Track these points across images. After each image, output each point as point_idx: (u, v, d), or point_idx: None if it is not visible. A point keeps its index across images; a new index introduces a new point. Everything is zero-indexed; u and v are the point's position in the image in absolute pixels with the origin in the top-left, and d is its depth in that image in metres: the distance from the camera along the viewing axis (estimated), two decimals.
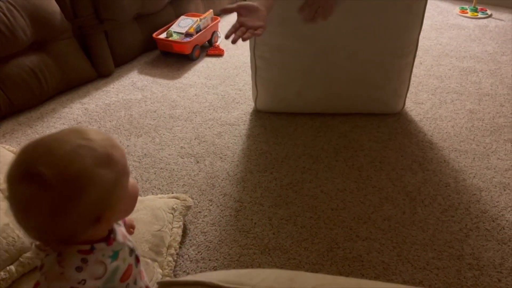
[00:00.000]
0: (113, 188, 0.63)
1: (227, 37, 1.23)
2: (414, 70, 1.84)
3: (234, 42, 1.22)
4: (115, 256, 0.70)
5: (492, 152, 1.64)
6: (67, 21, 2.01)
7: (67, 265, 0.65)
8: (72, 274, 0.64)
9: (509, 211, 1.39)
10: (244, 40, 1.21)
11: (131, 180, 0.70)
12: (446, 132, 1.76)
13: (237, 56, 2.41)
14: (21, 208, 0.61)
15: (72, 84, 2.10)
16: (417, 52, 1.73)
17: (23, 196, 0.59)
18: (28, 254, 1.11)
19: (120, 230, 0.75)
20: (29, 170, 0.58)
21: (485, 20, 2.81)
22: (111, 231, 0.72)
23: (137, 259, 0.78)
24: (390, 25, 1.58)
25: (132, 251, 0.76)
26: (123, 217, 0.72)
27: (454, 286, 1.17)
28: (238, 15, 1.26)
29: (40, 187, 0.57)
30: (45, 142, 0.61)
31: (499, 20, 2.81)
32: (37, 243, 0.70)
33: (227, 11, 1.27)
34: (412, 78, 1.86)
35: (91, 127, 0.63)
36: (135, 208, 1.28)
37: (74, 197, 0.59)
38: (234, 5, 1.26)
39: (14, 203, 0.61)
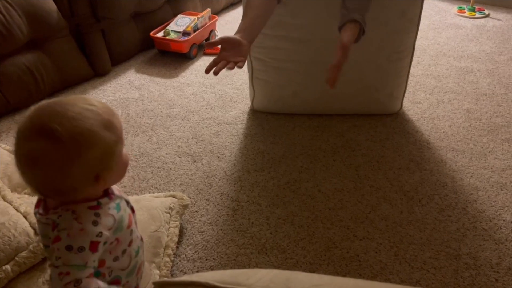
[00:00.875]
0: (112, 150, 0.71)
1: (207, 71, 1.25)
2: (412, 69, 1.85)
3: (216, 73, 1.24)
4: (118, 207, 0.78)
5: (489, 152, 1.64)
6: (64, 19, 2.00)
7: (84, 221, 0.70)
8: (91, 228, 0.70)
9: (506, 210, 1.39)
10: (229, 69, 1.25)
11: (124, 149, 0.77)
12: (444, 132, 1.76)
13: None
14: (31, 161, 0.66)
15: (69, 82, 2.09)
16: (415, 52, 1.73)
17: (35, 149, 0.65)
18: (24, 254, 1.11)
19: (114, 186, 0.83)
20: (43, 126, 0.64)
21: (482, 20, 2.81)
22: (107, 188, 0.79)
23: (132, 209, 0.88)
24: (385, 30, 1.57)
25: (127, 202, 0.86)
26: (116, 182, 0.79)
27: (451, 286, 1.17)
28: (221, 49, 1.27)
29: (52, 142, 0.64)
30: (56, 104, 0.68)
31: (496, 19, 2.81)
32: (41, 211, 0.74)
33: (211, 45, 1.29)
34: (410, 78, 1.86)
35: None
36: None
37: (79, 153, 0.66)
38: (218, 39, 1.27)
39: (24, 156, 0.66)
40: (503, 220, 1.36)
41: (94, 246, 0.69)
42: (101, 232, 0.71)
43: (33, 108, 0.68)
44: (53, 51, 1.99)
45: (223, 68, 1.24)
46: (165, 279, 1.07)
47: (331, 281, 0.56)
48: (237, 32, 1.32)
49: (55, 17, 1.95)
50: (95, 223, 0.71)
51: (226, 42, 1.27)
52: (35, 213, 0.77)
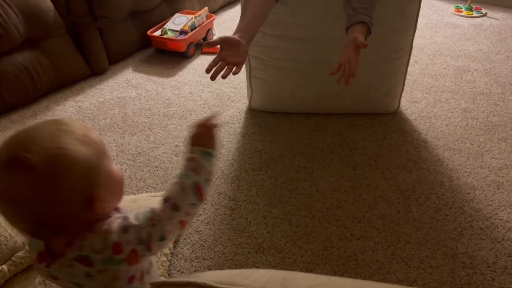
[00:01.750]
0: (96, 165, 0.63)
1: (207, 71, 1.25)
2: (409, 69, 1.85)
3: (213, 78, 1.25)
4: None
5: (486, 151, 1.65)
6: (60, 18, 1.99)
7: (103, 223, 0.66)
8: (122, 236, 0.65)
9: (502, 210, 1.40)
10: (223, 77, 1.25)
11: (114, 165, 0.71)
12: (441, 131, 1.76)
13: None
14: (12, 199, 0.59)
15: (65, 81, 2.08)
16: (412, 51, 1.73)
17: (11, 186, 0.58)
18: (20, 254, 1.10)
19: None
20: (12, 158, 0.58)
21: (480, 19, 2.82)
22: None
23: None
24: (383, 28, 1.57)
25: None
26: (117, 202, 0.71)
27: (448, 285, 1.17)
28: (220, 49, 1.28)
29: (26, 172, 0.58)
30: (23, 132, 0.62)
31: (493, 19, 2.82)
32: (49, 259, 0.67)
33: (210, 45, 1.28)
34: (407, 77, 1.86)
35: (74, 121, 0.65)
36: (129, 208, 1.27)
37: (60, 177, 0.59)
38: (217, 39, 1.27)
39: (2, 196, 0.60)
40: (500, 219, 1.36)
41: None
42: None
43: (1, 140, 0.62)
44: (50, 49, 1.98)
45: (220, 71, 1.25)
46: (163, 279, 1.07)
47: (328, 281, 0.56)
48: (235, 32, 1.32)
49: (52, 16, 1.94)
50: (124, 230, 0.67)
51: (225, 42, 1.27)
52: (46, 270, 0.68)
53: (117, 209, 0.71)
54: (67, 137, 0.61)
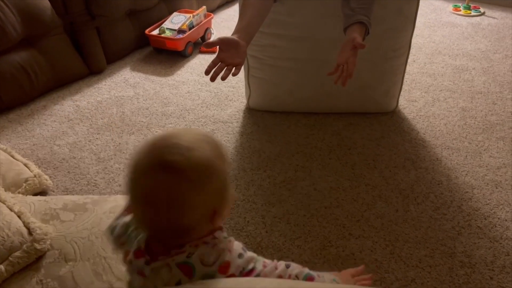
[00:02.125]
0: (228, 182, 0.65)
1: (207, 72, 1.25)
2: (407, 68, 1.85)
3: (212, 80, 1.25)
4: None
5: (484, 150, 1.65)
6: (58, 17, 1.98)
7: (223, 240, 0.67)
8: (233, 244, 0.68)
9: (501, 208, 1.39)
10: (222, 79, 1.24)
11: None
12: (439, 130, 1.76)
13: None
14: (151, 199, 0.60)
15: (63, 81, 2.07)
16: (411, 50, 1.73)
17: (155, 186, 0.59)
18: (18, 253, 1.10)
19: None
20: (162, 160, 0.59)
21: (478, 18, 2.82)
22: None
23: None
24: (382, 27, 1.57)
25: None
26: (223, 220, 0.71)
27: (446, 284, 1.17)
28: (219, 50, 1.26)
29: (174, 176, 0.59)
30: (169, 136, 0.63)
31: (492, 18, 2.82)
32: (148, 257, 0.66)
33: (209, 45, 1.27)
34: (405, 76, 1.86)
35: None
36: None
37: (202, 185, 0.61)
38: (216, 40, 1.25)
39: (143, 194, 0.61)
40: (498, 218, 1.36)
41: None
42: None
43: (145, 143, 0.63)
44: (47, 49, 1.98)
45: (219, 73, 1.24)
46: None
47: None
48: (234, 33, 1.31)
49: (49, 15, 1.93)
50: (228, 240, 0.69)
51: (224, 42, 1.26)
52: (140, 267, 0.66)
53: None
54: (209, 149, 0.62)
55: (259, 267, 0.67)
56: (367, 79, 1.71)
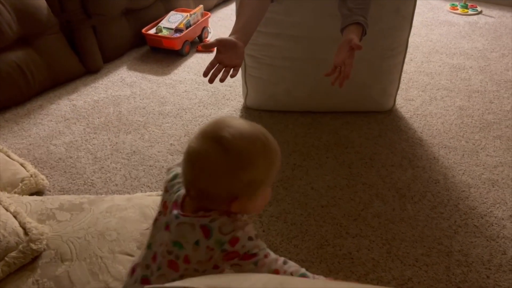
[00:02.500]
0: (262, 181, 0.72)
1: (205, 74, 1.24)
2: (405, 66, 1.84)
3: (211, 82, 1.24)
4: None
5: (481, 149, 1.65)
6: (54, 16, 1.97)
7: (242, 219, 0.75)
8: (250, 224, 0.75)
9: (497, 207, 1.40)
10: (221, 81, 1.24)
11: (270, 189, 0.78)
12: (436, 129, 1.76)
13: None
14: (196, 158, 0.70)
15: (59, 80, 2.07)
16: (408, 49, 1.73)
17: (204, 149, 0.69)
18: (14, 254, 1.09)
19: None
20: (216, 133, 0.69)
21: (475, 17, 2.82)
22: None
23: None
24: (379, 26, 1.57)
25: None
26: (248, 214, 0.79)
27: (443, 283, 1.17)
28: (217, 52, 1.26)
29: (219, 148, 0.68)
30: (237, 120, 0.72)
31: (489, 16, 2.82)
32: (181, 212, 0.75)
33: (207, 47, 1.27)
34: (403, 75, 1.86)
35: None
36: (124, 207, 1.27)
37: (234, 169, 0.69)
38: (214, 41, 1.24)
39: (193, 151, 0.70)
40: (495, 217, 1.36)
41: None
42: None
43: (218, 117, 0.75)
44: (43, 48, 1.97)
45: (218, 74, 1.24)
46: (157, 286, 1.06)
47: (325, 285, 0.55)
48: (232, 33, 1.30)
49: (45, 14, 1.93)
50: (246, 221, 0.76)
51: (222, 44, 1.25)
52: (170, 220, 0.76)
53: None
54: (261, 148, 0.70)
55: (261, 254, 0.73)
56: (364, 78, 1.71)
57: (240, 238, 0.71)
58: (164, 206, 0.81)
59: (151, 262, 0.80)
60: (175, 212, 0.76)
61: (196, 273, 0.74)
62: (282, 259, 0.75)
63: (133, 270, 0.85)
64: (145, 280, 0.79)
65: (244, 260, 0.72)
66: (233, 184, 0.70)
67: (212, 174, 0.69)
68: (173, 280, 0.74)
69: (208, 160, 0.69)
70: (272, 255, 0.75)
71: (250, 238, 0.73)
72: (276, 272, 0.73)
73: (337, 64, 1.31)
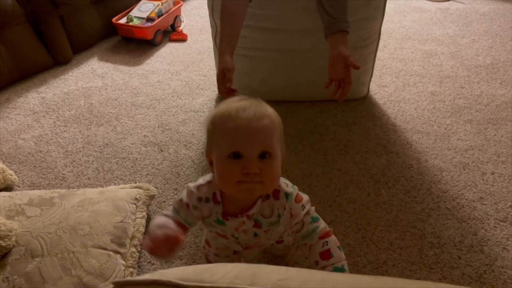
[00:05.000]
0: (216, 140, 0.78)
1: (223, 95, 1.27)
2: (378, 53, 1.85)
3: (225, 96, 1.26)
4: None
5: (452, 133, 1.68)
6: (19, 6, 1.90)
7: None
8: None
9: (468, 190, 1.43)
10: (228, 89, 1.28)
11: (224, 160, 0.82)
12: (409, 115, 1.79)
13: (201, 41, 2.36)
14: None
15: (27, 72, 2.00)
16: (381, 36, 1.74)
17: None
18: None
19: None
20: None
21: (446, 3, 2.86)
22: None
23: None
24: (351, 18, 1.55)
25: None
26: (219, 185, 0.84)
27: (416, 265, 1.19)
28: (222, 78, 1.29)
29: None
30: (254, 100, 0.83)
31: (459, 3, 2.86)
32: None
33: (231, 92, 1.27)
34: (376, 62, 1.87)
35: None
36: (96, 200, 1.24)
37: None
38: (224, 78, 1.27)
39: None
40: (466, 199, 1.39)
41: None
42: None
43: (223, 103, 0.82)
44: (9, 39, 1.90)
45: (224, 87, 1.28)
46: (127, 278, 1.04)
47: (298, 274, 0.55)
48: (224, 52, 1.30)
49: (10, 4, 1.86)
50: None
51: (226, 71, 1.27)
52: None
53: None
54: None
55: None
56: None
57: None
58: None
59: None
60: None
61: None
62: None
63: None
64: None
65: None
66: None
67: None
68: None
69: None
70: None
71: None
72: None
73: (333, 78, 1.33)
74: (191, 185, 0.85)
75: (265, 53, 1.68)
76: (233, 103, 0.80)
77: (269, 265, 0.58)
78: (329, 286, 0.53)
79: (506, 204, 1.36)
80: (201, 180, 0.85)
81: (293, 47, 1.64)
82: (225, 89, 1.27)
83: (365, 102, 1.86)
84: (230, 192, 0.79)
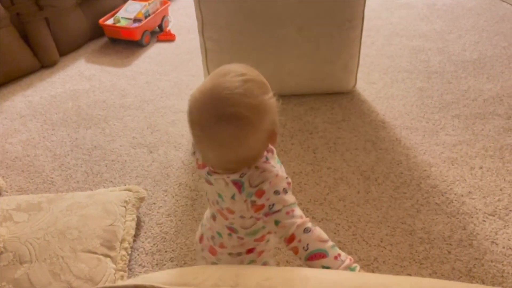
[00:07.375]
0: (275, 105, 0.72)
1: None
2: (366, 50, 1.86)
3: None
4: (278, 161, 0.81)
5: (440, 129, 1.69)
6: (3, 8, 1.88)
7: (272, 169, 0.74)
8: (281, 173, 0.74)
9: (457, 184, 1.44)
10: None
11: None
12: (398, 111, 1.80)
13: (189, 41, 2.35)
14: (226, 144, 0.68)
15: (13, 75, 1.98)
16: (369, 32, 1.74)
17: (221, 134, 0.67)
18: None
19: None
20: (222, 114, 0.66)
21: None
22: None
23: None
24: None
25: None
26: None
27: (406, 260, 1.20)
28: None
29: (237, 122, 0.66)
30: (218, 86, 0.68)
31: None
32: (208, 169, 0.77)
33: None
34: (364, 58, 1.88)
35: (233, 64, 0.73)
36: (85, 204, 1.23)
37: (260, 123, 0.68)
38: None
39: (214, 140, 0.69)
40: (455, 194, 1.40)
41: (289, 186, 0.74)
42: (287, 176, 0.76)
43: (194, 97, 0.71)
44: None
45: None
46: (109, 284, 1.03)
47: (280, 273, 0.55)
48: None
49: None
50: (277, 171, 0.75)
51: None
52: (205, 176, 0.78)
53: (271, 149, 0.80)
54: (256, 88, 0.68)
55: (283, 211, 0.71)
56: (325, 53, 1.72)
57: (266, 192, 0.72)
58: (197, 164, 0.82)
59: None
60: (205, 170, 0.78)
61: (242, 219, 0.78)
62: (306, 225, 0.71)
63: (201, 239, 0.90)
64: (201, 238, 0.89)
65: (267, 216, 0.72)
66: (267, 130, 0.71)
67: (248, 142, 0.69)
68: (227, 227, 0.80)
69: (236, 139, 0.68)
70: (296, 214, 0.72)
71: (276, 192, 0.72)
72: (291, 238, 0.70)
73: None
74: None
75: (251, 43, 1.68)
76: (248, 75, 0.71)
77: (252, 265, 0.58)
78: (312, 284, 0.53)
79: (494, 198, 1.38)
80: None
81: (279, 31, 1.65)
82: None
83: (354, 99, 1.87)
84: None
